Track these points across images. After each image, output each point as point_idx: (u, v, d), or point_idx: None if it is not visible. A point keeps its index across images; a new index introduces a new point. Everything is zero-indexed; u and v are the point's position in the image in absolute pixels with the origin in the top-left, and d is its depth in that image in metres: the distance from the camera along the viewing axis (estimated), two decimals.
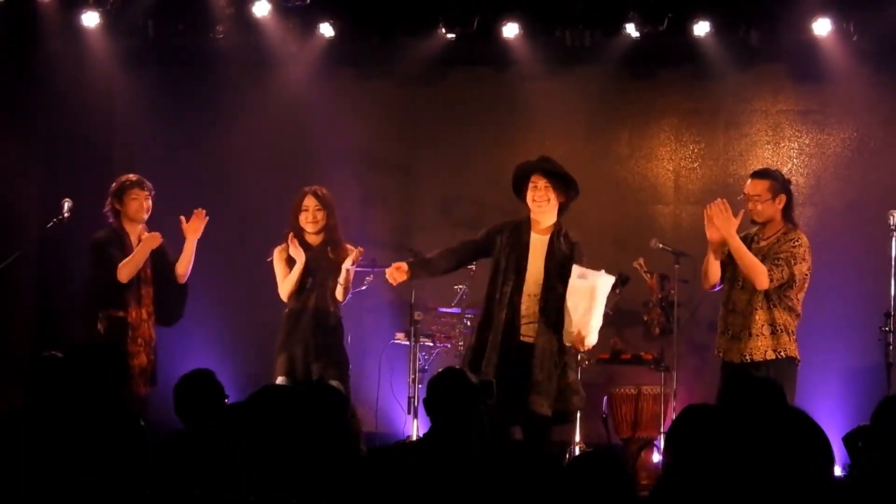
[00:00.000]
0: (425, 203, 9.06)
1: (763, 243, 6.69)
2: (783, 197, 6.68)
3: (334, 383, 5.68)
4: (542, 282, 6.81)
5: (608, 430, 8.59)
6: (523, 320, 6.80)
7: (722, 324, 6.77)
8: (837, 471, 4.44)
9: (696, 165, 9.69)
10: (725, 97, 9.52)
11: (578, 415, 7.41)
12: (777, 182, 6.69)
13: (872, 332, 7.64)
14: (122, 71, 9.56)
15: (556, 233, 6.82)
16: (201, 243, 7.62)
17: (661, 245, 7.99)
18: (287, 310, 7.48)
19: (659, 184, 9.68)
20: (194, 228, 7.57)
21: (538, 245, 6.81)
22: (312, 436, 4.26)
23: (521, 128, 9.67)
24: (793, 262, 6.55)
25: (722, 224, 6.51)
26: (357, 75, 9.75)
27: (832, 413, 8.06)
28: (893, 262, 7.46)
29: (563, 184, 6.83)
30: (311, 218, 7.40)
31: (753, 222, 6.76)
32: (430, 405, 4.60)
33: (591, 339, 6.61)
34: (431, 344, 8.77)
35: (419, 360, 8.58)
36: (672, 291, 8.21)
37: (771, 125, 9.53)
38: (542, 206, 6.78)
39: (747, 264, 6.51)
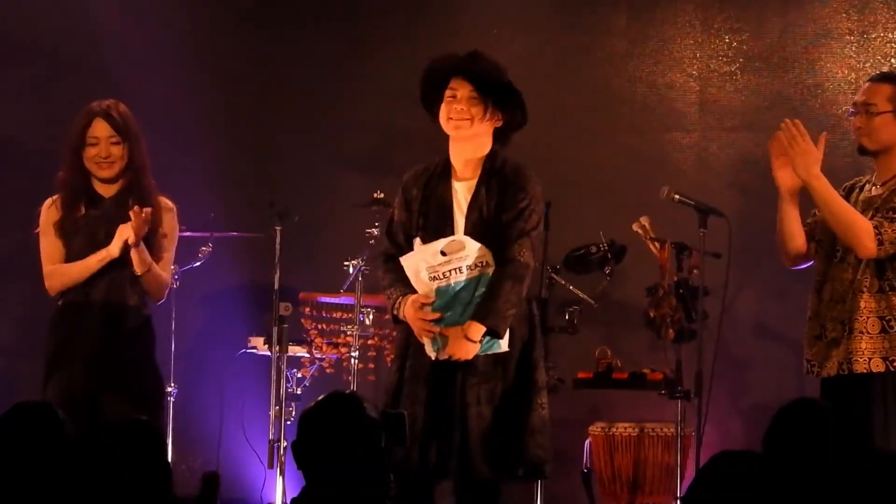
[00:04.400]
0: (297, 132, 8.10)
1: (874, 192, 5.92)
2: None
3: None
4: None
5: (591, 495, 7.61)
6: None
7: (813, 324, 6.07)
8: None
9: (734, 69, 8.39)
10: None
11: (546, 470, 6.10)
12: None
13: None
14: None
15: (488, 172, 5.87)
16: None
17: (677, 196, 7.01)
18: (60, 303, 6.31)
19: (676, 98, 8.54)
20: None
21: (465, 197, 6.01)
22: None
23: (448, 10, 8.51)
24: None
25: (797, 157, 5.74)
26: None
27: None
28: None
29: (501, 95, 5.83)
30: (102, 155, 6.32)
31: (861, 150, 5.87)
32: (301, 453, 3.91)
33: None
34: (307, 355, 7.73)
35: (287, 382, 7.51)
36: (695, 271, 7.26)
37: (855, 4, 8.14)
38: (462, 128, 5.86)
39: (841, 219, 5.85)
